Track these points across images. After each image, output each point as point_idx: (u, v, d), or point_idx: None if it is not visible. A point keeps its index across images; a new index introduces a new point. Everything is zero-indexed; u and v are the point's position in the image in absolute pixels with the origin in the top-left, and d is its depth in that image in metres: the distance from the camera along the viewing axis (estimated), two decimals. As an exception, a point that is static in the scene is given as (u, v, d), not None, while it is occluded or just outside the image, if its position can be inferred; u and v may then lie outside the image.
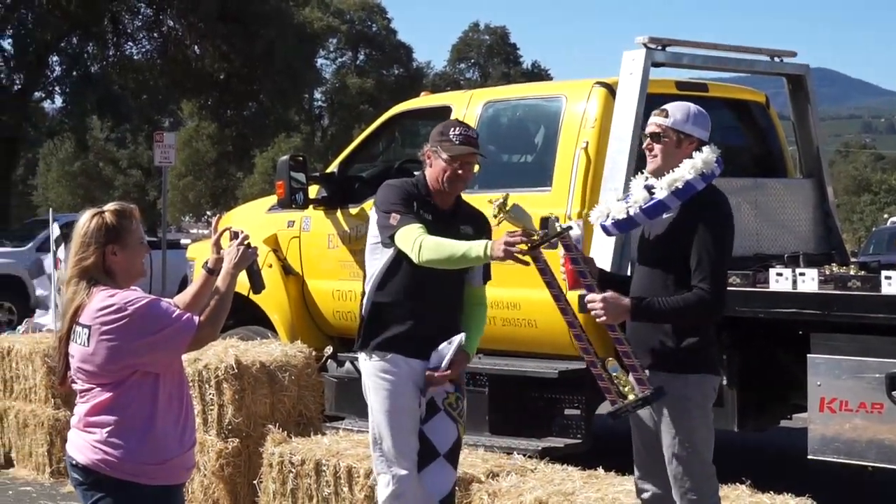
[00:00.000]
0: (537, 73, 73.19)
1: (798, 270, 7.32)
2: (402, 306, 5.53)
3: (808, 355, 7.07)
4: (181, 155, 51.34)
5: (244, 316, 10.27)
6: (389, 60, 66.17)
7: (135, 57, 34.28)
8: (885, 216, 52.34)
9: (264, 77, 35.00)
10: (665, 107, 5.21)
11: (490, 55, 76.86)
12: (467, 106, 9.24)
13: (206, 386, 7.68)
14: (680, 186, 4.98)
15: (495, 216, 5.18)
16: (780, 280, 7.30)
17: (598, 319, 4.95)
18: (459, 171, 5.53)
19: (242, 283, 10.42)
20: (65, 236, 10.73)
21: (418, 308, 5.51)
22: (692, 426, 4.98)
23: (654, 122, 5.17)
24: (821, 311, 7.10)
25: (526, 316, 8.44)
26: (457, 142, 5.51)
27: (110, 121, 34.19)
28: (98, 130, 42.66)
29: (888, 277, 6.90)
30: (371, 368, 5.62)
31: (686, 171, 4.99)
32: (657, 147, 5.12)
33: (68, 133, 34.54)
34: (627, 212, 5.10)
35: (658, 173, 5.09)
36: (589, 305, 4.95)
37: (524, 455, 7.00)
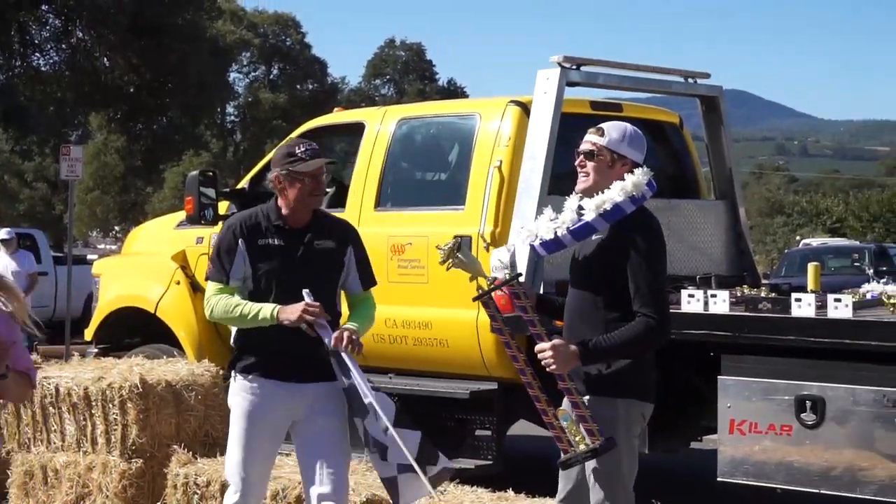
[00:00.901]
0: (453, 91, 73.40)
1: (710, 292, 7.40)
2: (265, 331, 5.49)
3: (719, 377, 7.14)
4: (89, 168, 50.75)
5: (150, 333, 10.19)
6: (303, 75, 65.94)
7: (42, 68, 33.87)
8: (798, 238, 53.18)
9: (176, 91, 34.76)
10: (602, 125, 5.21)
11: (406, 71, 76.93)
12: (381, 122, 9.24)
13: (110, 405, 7.58)
14: (608, 209, 4.96)
15: (442, 262, 5.14)
16: (691, 301, 7.37)
17: (548, 369, 4.88)
18: (317, 185, 5.56)
19: (147, 300, 10.31)
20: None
21: (279, 332, 5.44)
22: (617, 450, 4.95)
23: (589, 139, 5.16)
24: (731, 332, 7.18)
25: (437, 335, 8.45)
26: (307, 158, 5.53)
27: (16, 132, 33.73)
28: (3, 142, 42.07)
29: (798, 300, 7.00)
30: (234, 388, 5.65)
31: (615, 193, 4.97)
32: (589, 165, 5.10)
33: (-28, 145, 34.06)
34: (555, 233, 5.08)
35: (588, 192, 5.08)
36: (539, 356, 4.87)
37: (434, 476, 6.98)
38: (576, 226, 5.03)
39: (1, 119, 32.37)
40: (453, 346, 8.39)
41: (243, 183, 9.92)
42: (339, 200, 9.32)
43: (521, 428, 9.33)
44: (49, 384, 7.89)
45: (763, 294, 7.53)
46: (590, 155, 5.11)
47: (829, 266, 24.55)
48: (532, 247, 5.22)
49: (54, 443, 7.95)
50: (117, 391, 7.55)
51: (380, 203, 9.01)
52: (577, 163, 5.17)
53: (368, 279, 5.76)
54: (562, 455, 4.99)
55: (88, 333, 10.85)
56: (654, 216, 5.14)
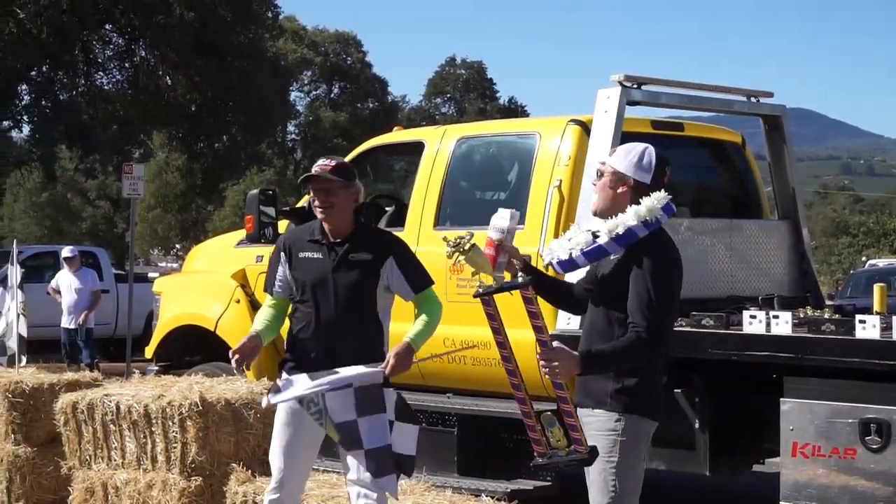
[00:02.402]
0: (514, 109, 73.44)
1: (772, 313, 7.35)
2: (300, 331, 5.98)
3: (781, 399, 7.09)
4: (150, 187, 51.30)
5: (210, 352, 10.27)
6: (364, 94, 66.29)
7: (105, 87, 34.24)
8: (864, 259, 52.62)
9: (237, 109, 35.02)
10: (619, 146, 5.35)
11: (466, 90, 77.10)
12: (440, 141, 9.27)
13: (170, 423, 7.64)
14: (620, 232, 5.06)
15: (450, 256, 5.22)
16: (753, 322, 7.33)
17: (548, 376, 4.93)
18: (321, 198, 5.92)
19: (207, 318, 10.34)
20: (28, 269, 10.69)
21: (314, 337, 5.91)
22: (618, 464, 5.04)
23: (600, 160, 5.35)
24: (794, 354, 7.13)
25: (496, 355, 8.42)
26: (313, 172, 5.94)
27: (79, 151, 34.09)
28: (67, 161, 42.55)
29: (862, 321, 6.94)
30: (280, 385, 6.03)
31: (629, 217, 5.06)
32: (598, 184, 5.24)
33: (36, 163, 34.41)
34: (570, 253, 5.22)
35: (597, 212, 5.23)
36: (542, 362, 4.94)
37: (492, 497, 6.99)
38: (589, 248, 5.16)
39: (64, 138, 32.74)
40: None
41: (303, 202, 9.98)
42: (399, 219, 9.36)
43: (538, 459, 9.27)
44: (110, 402, 7.97)
45: (827, 315, 7.47)
46: (599, 174, 5.25)
47: (896, 287, 24.27)
48: (551, 265, 5.35)
49: (115, 460, 8.02)
50: (177, 409, 7.61)
51: (439, 222, 9.03)
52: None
53: (419, 282, 6.05)
54: (537, 458, 5.07)
55: (149, 351, 10.95)
56: (672, 242, 5.22)
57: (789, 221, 9.48)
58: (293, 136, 64.95)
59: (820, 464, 6.90)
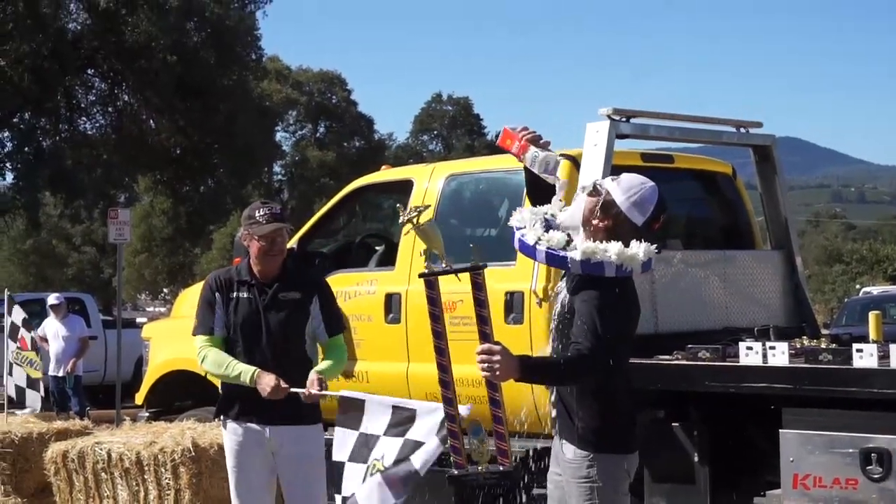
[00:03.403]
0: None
1: (768, 344, 7.35)
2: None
3: (780, 430, 7.08)
4: (136, 231, 51.26)
5: (201, 396, 10.24)
6: (350, 132, 66.40)
7: (88, 132, 34.28)
8: (858, 286, 52.69)
9: (222, 152, 35.07)
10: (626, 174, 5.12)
11: (453, 126, 77.31)
12: (429, 179, 9.29)
13: (162, 469, 7.63)
14: (592, 261, 4.82)
15: (402, 223, 5.12)
16: (749, 354, 7.33)
17: (485, 375, 4.72)
18: (272, 247, 6.22)
19: (196, 364, 10.29)
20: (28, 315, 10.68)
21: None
22: None
23: (603, 180, 5.14)
24: (792, 385, 7.13)
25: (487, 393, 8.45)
26: (263, 221, 6.22)
27: (64, 197, 34.10)
28: (51, 207, 42.54)
29: (859, 350, 6.95)
30: (224, 432, 6.34)
31: (611, 252, 4.83)
32: (586, 200, 5.01)
33: (20, 210, 34.40)
34: (538, 241, 4.97)
35: (564, 224, 5.02)
36: (479, 357, 4.68)
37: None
38: (555, 252, 4.92)
39: (48, 184, 32.75)
40: (509, 405, 8.35)
41: (292, 242, 9.97)
42: (389, 258, 9.37)
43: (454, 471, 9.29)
44: (101, 450, 7.95)
45: (823, 345, 7.48)
46: (592, 190, 5.02)
47: (891, 314, 24.31)
48: (513, 237, 5.10)
49: (107, 509, 7.99)
50: (170, 455, 7.61)
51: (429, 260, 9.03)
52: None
53: (334, 326, 6.38)
54: (452, 470, 4.91)
55: (139, 397, 10.92)
56: (630, 285, 4.98)
57: (783, 251, 9.51)
58: (280, 176, 65.04)
59: (821, 495, 6.89)
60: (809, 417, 7.02)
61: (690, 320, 8.53)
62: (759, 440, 7.68)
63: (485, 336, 4.78)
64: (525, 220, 5.10)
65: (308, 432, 6.25)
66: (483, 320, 4.81)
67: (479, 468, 4.82)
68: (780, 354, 7.23)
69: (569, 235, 5.00)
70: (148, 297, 71.55)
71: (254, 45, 36.96)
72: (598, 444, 4.91)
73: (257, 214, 6.26)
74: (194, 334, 6.34)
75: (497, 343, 4.71)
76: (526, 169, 5.37)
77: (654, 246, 4.95)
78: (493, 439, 4.88)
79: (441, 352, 4.95)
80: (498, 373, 4.65)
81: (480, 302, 4.86)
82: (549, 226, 5.08)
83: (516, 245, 5.09)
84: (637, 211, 4.96)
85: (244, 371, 6.11)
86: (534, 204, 5.34)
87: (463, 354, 8.18)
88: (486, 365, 4.65)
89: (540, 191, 5.40)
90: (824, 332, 9.88)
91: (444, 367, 4.95)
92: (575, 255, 4.86)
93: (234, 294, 6.25)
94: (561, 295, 5.07)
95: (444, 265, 5.02)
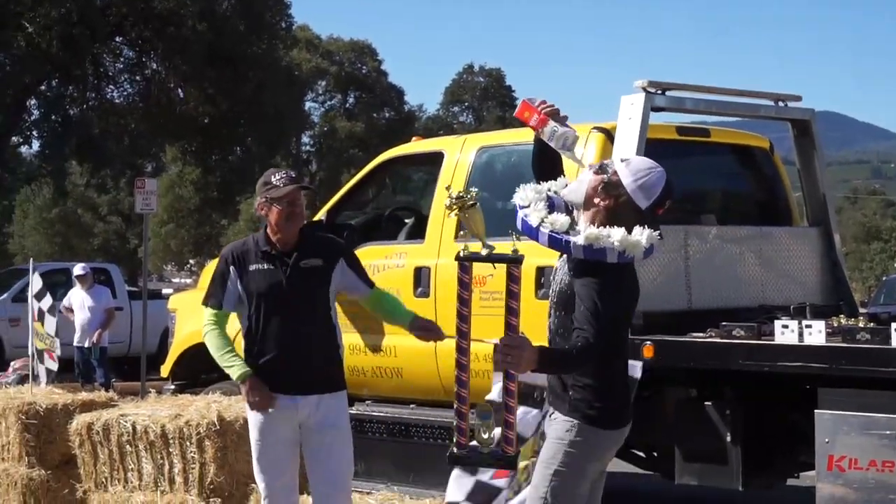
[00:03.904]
0: (534, 117, 73.27)
1: (804, 322, 7.32)
2: (267, 348, 6.19)
3: (816, 411, 7.05)
4: (163, 201, 51.43)
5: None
6: (380, 103, 66.33)
7: (116, 100, 34.37)
8: (896, 265, 52.42)
9: (251, 121, 35.10)
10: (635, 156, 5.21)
11: (484, 98, 77.09)
12: (461, 151, 9.27)
13: (188, 443, 7.65)
14: (595, 247, 4.85)
15: (448, 207, 5.10)
16: (785, 332, 7.30)
17: (505, 366, 4.78)
18: (293, 209, 6.19)
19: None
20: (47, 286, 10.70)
21: (275, 349, 6.17)
22: (556, 471, 4.96)
23: (616, 159, 5.18)
24: (828, 364, 7.09)
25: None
26: (281, 185, 6.20)
27: (90, 166, 34.22)
28: (77, 176, 42.70)
29: (898, 329, 6.90)
30: (247, 405, 6.32)
31: (615, 238, 4.85)
32: (592, 179, 5.03)
33: (46, 179, 34.57)
34: (541, 223, 4.98)
35: (568, 199, 5.07)
36: (503, 348, 4.72)
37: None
38: (557, 235, 4.93)
39: (75, 152, 32.88)
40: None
41: (320, 214, 9.97)
42: (419, 231, 9.35)
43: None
44: (126, 422, 7.98)
45: (861, 324, 7.44)
46: (598, 169, 5.05)
47: (930, 293, 24.14)
48: (517, 215, 5.11)
49: (131, 482, 8.03)
50: (195, 429, 7.62)
51: (460, 234, 9.02)
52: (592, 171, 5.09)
53: (369, 280, 6.44)
54: (454, 449, 4.99)
55: (165, 370, 10.96)
56: (631, 267, 5.02)
57: (820, 228, 9.44)
58: (308, 147, 65.06)
59: (857, 477, 6.86)
60: (846, 398, 6.98)
61: (725, 297, 8.49)
62: (794, 420, 7.66)
63: (510, 327, 4.82)
64: (529, 199, 5.11)
65: (336, 401, 6.26)
66: (512, 312, 4.84)
67: (481, 450, 4.89)
68: (816, 333, 7.19)
69: (573, 218, 5.03)
70: (174, 268, 71.82)
71: (284, 13, 36.97)
72: (586, 415, 4.99)
73: (273, 179, 6.24)
74: (203, 304, 6.37)
75: (521, 335, 4.79)
76: (536, 140, 5.36)
77: (657, 232, 4.97)
78: (503, 427, 4.92)
79: (463, 334, 4.99)
80: (517, 364, 4.73)
81: (513, 294, 4.88)
82: (552, 204, 5.11)
83: (519, 225, 5.10)
84: (643, 194, 4.97)
85: (236, 367, 6.19)
86: (538, 178, 5.36)
87: (493, 330, 8.16)
88: (508, 357, 4.71)
89: (546, 164, 5.43)
90: (862, 310, 9.82)
91: (463, 350, 4.99)
92: (578, 239, 4.88)
93: (253, 266, 6.22)
94: (561, 272, 5.12)
95: (483, 252, 5.02)
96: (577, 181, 5.11)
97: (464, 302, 4.99)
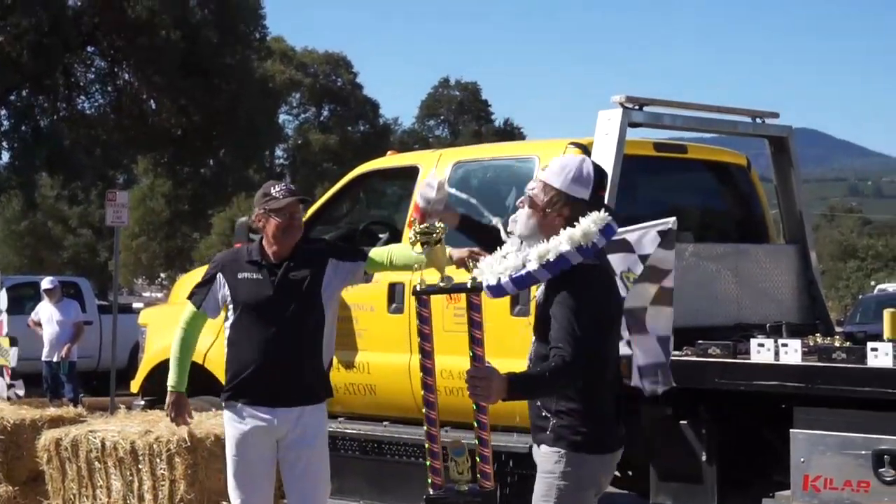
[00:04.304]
0: (509, 132, 73.55)
1: (780, 341, 7.35)
2: (245, 361, 6.22)
3: (791, 430, 7.08)
4: (134, 214, 51.22)
5: (198, 385, 10.23)
6: (355, 116, 66.37)
7: (87, 111, 34.26)
8: (873, 283, 52.64)
9: (224, 133, 35.02)
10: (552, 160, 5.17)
11: (460, 112, 77.25)
12: (436, 166, 9.27)
13: (157, 460, 7.62)
14: (551, 259, 4.80)
15: (413, 243, 5.18)
16: (761, 351, 7.33)
17: (473, 398, 4.71)
18: (291, 222, 6.24)
19: (197, 352, 10.31)
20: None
21: (259, 359, 6.17)
22: None
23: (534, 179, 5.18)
24: (804, 383, 7.12)
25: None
26: (280, 196, 6.25)
27: (61, 178, 34.09)
28: (47, 188, 42.54)
29: (874, 349, 6.93)
30: (224, 417, 6.37)
31: (563, 241, 4.81)
32: (525, 202, 5.04)
33: (16, 190, 34.43)
34: (498, 279, 4.94)
35: (523, 236, 5.01)
36: (470, 380, 4.66)
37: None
38: (517, 274, 4.89)
39: (45, 164, 32.75)
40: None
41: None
42: (393, 247, 9.35)
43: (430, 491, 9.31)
44: (95, 438, 7.95)
45: (837, 343, 7.47)
46: (528, 190, 5.04)
47: (907, 313, 24.22)
48: (485, 287, 5.04)
49: (100, 499, 8.00)
50: (165, 445, 7.60)
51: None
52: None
53: (361, 253, 6.44)
54: (430, 490, 4.90)
55: (135, 385, 10.91)
56: (602, 270, 4.98)
57: (797, 245, 9.48)
58: (281, 160, 64.99)
59: (832, 497, 6.89)
60: (821, 417, 7.01)
61: (701, 315, 8.51)
62: (769, 440, 7.68)
63: (476, 358, 4.77)
64: (483, 270, 5.05)
65: (315, 418, 6.26)
66: (476, 342, 4.80)
67: (458, 488, 4.83)
68: (792, 352, 7.22)
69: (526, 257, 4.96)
70: (145, 282, 71.57)
71: (258, 24, 36.95)
72: (572, 442, 4.88)
73: (273, 191, 6.28)
74: (188, 298, 6.47)
75: (487, 366, 4.72)
76: (463, 227, 5.51)
77: (604, 212, 4.88)
78: (479, 461, 4.86)
79: (427, 371, 4.96)
80: (485, 395, 4.65)
81: (475, 323, 4.84)
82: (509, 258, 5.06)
83: (489, 295, 5.02)
84: (578, 186, 4.93)
85: (173, 377, 6.42)
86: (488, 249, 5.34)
87: (466, 346, 8.18)
88: (476, 389, 4.63)
89: (483, 238, 5.50)
90: (838, 329, 9.86)
91: (429, 387, 4.95)
92: (532, 265, 4.84)
93: (242, 275, 6.26)
94: (538, 292, 5.05)
95: (441, 283, 5.04)
96: (518, 219, 5.04)
97: (424, 337, 4.98)
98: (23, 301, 21.51)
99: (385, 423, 9.14)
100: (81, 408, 9.72)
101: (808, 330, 8.68)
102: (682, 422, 7.83)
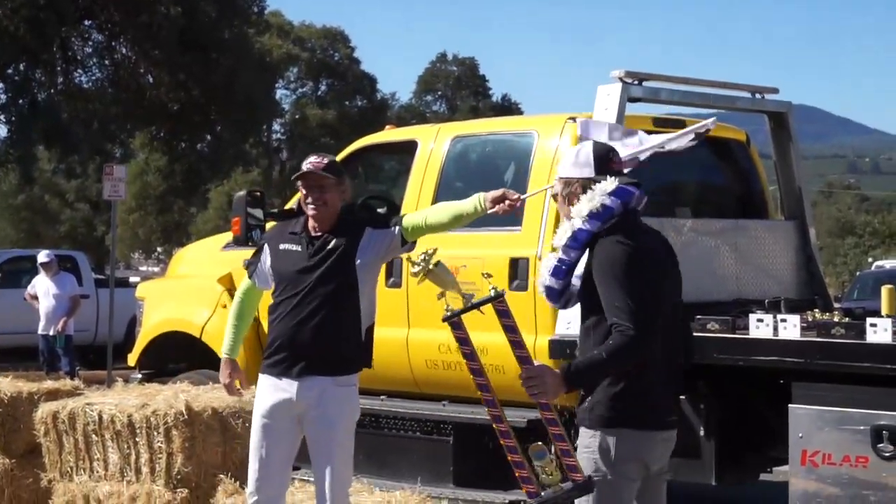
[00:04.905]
0: (507, 107, 73.44)
1: (779, 316, 7.34)
2: (276, 330, 6.21)
3: (790, 406, 7.08)
4: (131, 188, 51.15)
5: (196, 359, 10.24)
6: (352, 91, 66.20)
7: (84, 85, 34.16)
8: (870, 260, 52.67)
9: (222, 108, 34.93)
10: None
11: (458, 87, 77.12)
12: (434, 140, 9.26)
13: (155, 433, 7.62)
14: (577, 237, 4.94)
15: (415, 274, 5.24)
16: (760, 326, 7.32)
17: (533, 398, 4.75)
18: (313, 193, 6.16)
19: (193, 324, 10.37)
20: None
21: (285, 331, 6.15)
22: (599, 488, 4.83)
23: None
24: (803, 359, 7.12)
25: (493, 361, 8.42)
26: (303, 168, 6.21)
27: (58, 151, 34.02)
28: (45, 162, 42.46)
29: (873, 325, 6.93)
30: (259, 382, 6.33)
31: (574, 217, 4.97)
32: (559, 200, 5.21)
33: (13, 164, 34.33)
34: (547, 280, 5.15)
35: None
36: (524, 382, 4.72)
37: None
38: (553, 268, 5.07)
39: (42, 138, 32.66)
40: (510, 373, 8.34)
41: (292, 202, 9.93)
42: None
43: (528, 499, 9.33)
44: (92, 411, 7.95)
45: (836, 319, 7.47)
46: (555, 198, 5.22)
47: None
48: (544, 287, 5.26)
49: (97, 472, 8.00)
50: (162, 419, 7.59)
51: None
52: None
53: (396, 220, 6.21)
54: (527, 500, 4.85)
55: (132, 359, 10.92)
56: (630, 230, 4.95)
57: (796, 221, 9.48)
58: (279, 135, 64.90)
59: (830, 472, 6.89)
60: (820, 393, 7.01)
61: (700, 291, 8.51)
62: (768, 415, 7.68)
63: (523, 359, 4.79)
64: (542, 275, 5.23)
65: (337, 397, 6.14)
66: (517, 345, 4.83)
67: (555, 490, 4.76)
68: (791, 327, 7.22)
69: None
70: (142, 256, 71.54)
71: (256, -2, 36.81)
72: (606, 419, 4.87)
73: (304, 163, 6.28)
74: (244, 267, 6.52)
75: (537, 364, 4.78)
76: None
77: (613, 177, 4.98)
78: (559, 457, 4.83)
79: (484, 388, 4.96)
80: (543, 394, 4.71)
81: (510, 328, 4.88)
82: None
83: (549, 303, 5.32)
84: (581, 166, 5.07)
85: (225, 345, 6.49)
86: None
87: (481, 319, 8.22)
88: (533, 389, 4.70)
89: None
90: (836, 305, 9.86)
91: (491, 402, 4.95)
92: (559, 252, 5.00)
93: (283, 246, 6.28)
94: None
95: (464, 304, 5.07)
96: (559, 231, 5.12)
97: (471, 357, 5.00)
98: (20, 275, 21.55)
99: (382, 396, 9.14)
100: (78, 381, 9.70)
101: (807, 305, 8.69)
102: (680, 397, 7.83)
